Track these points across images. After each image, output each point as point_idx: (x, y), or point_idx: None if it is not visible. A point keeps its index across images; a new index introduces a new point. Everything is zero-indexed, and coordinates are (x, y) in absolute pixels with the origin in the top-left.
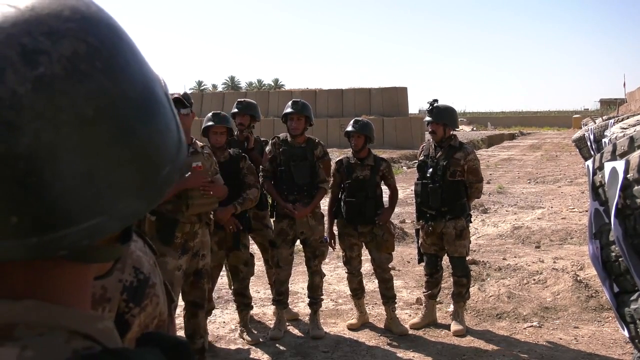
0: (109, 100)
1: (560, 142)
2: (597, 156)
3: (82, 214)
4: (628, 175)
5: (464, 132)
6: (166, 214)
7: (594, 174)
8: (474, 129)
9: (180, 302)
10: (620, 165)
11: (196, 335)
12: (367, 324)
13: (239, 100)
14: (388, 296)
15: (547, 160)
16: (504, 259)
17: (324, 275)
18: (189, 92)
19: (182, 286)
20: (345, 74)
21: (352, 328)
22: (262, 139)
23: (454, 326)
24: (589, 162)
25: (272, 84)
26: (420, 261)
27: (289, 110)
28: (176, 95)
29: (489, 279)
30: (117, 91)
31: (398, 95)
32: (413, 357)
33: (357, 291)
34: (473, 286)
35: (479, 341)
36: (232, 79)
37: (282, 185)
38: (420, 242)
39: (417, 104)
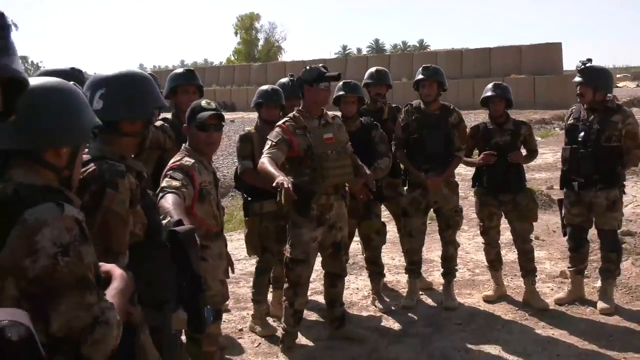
0: None
1: None
2: None
3: None
4: None
5: (627, 88)
6: (303, 185)
7: None
8: (639, 85)
9: (317, 267)
10: None
11: (336, 303)
12: (504, 297)
13: (377, 68)
14: (528, 269)
15: None
16: None
17: (459, 246)
18: (333, 57)
19: (322, 258)
20: (494, 32)
21: (487, 300)
22: (393, 105)
23: (601, 304)
24: None
25: (417, 45)
26: (565, 234)
27: (420, 76)
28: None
29: None
30: None
31: (551, 52)
32: (553, 334)
33: (495, 263)
34: (626, 260)
35: (629, 322)
36: (376, 42)
37: (414, 154)
38: (564, 212)
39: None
